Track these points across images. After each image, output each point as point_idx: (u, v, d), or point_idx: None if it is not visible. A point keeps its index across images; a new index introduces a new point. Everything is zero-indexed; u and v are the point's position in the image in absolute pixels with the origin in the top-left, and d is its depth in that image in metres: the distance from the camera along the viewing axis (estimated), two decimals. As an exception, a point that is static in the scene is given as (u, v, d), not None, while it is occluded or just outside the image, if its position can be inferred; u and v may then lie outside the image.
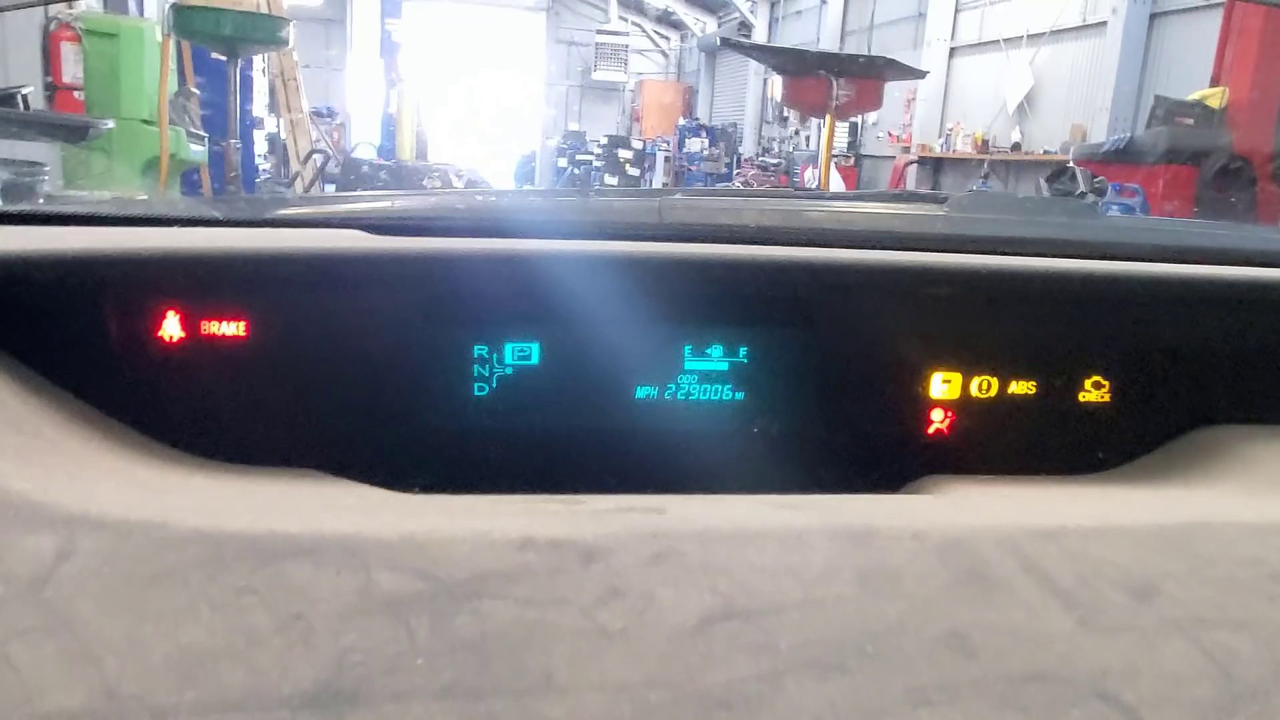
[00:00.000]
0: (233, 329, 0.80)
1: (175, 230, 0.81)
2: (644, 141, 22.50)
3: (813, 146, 16.82)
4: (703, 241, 0.84)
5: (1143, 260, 0.88)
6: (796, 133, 18.94)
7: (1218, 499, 0.74)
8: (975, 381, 0.89)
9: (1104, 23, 11.65)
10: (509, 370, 0.85)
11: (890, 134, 16.20)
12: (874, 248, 0.86)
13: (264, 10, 8.29)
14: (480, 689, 0.43)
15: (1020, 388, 0.89)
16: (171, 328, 0.79)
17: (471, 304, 0.84)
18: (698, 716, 0.43)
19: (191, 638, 0.45)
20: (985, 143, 13.56)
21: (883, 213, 1.19)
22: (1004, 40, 13.65)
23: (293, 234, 0.82)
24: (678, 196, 1.28)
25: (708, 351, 0.86)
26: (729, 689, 0.45)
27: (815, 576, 0.52)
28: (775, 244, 0.85)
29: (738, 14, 22.79)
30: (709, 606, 0.49)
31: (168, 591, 0.47)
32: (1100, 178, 6.75)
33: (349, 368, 0.83)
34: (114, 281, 0.77)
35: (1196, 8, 10.48)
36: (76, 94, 7.21)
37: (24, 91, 5.05)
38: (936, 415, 0.89)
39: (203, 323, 0.79)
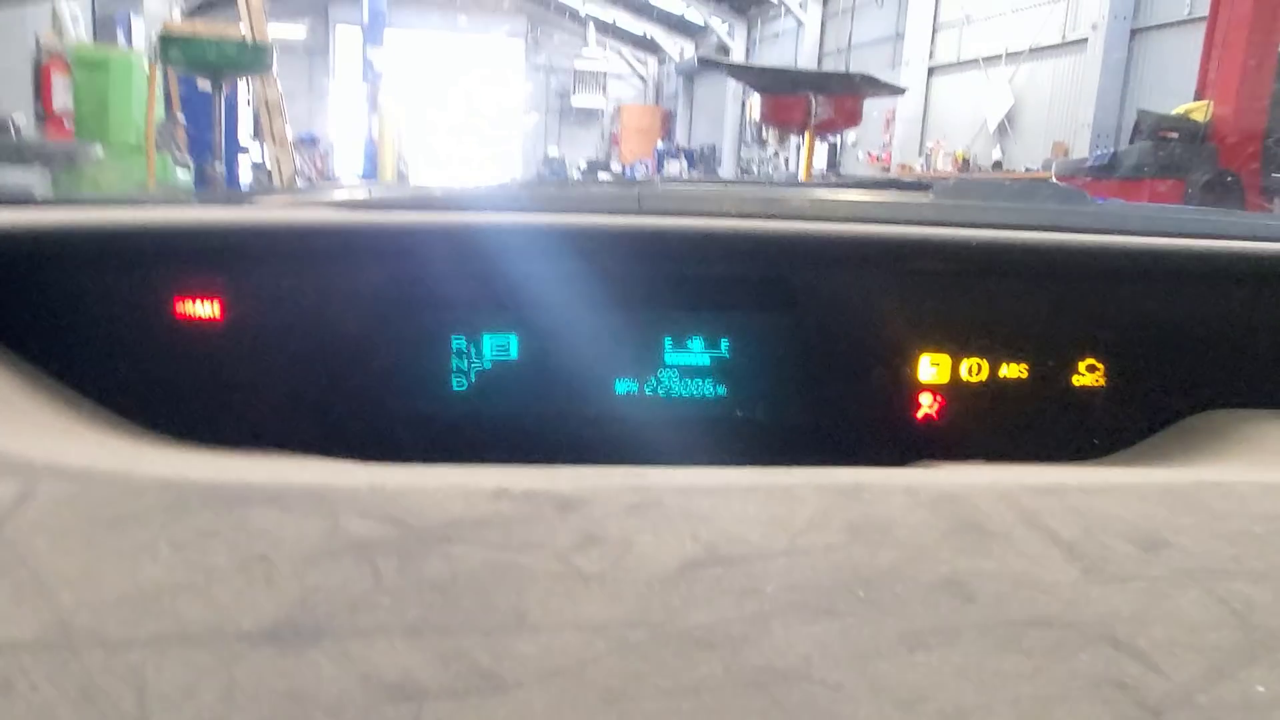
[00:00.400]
0: (206, 309, 0.79)
1: (148, 209, 0.81)
2: (623, 165, 22.61)
3: (791, 168, 16.91)
4: (683, 216, 0.83)
5: (1134, 235, 0.87)
6: (775, 154, 19.03)
7: (1225, 468, 0.72)
8: (965, 365, 0.87)
9: (1084, 40, 11.76)
10: (486, 360, 0.83)
11: (870, 154, 16.28)
12: (858, 222, 0.85)
13: (247, 39, 8.32)
14: (449, 626, 0.42)
15: (1012, 371, 0.87)
16: (144, 305, 0.78)
17: (446, 281, 0.82)
18: (679, 655, 0.42)
19: (150, 575, 0.44)
20: (966, 161, 13.63)
21: (867, 199, 1.18)
22: (983, 59, 13.76)
23: (265, 211, 0.82)
24: (656, 182, 1.27)
25: (688, 343, 0.84)
26: (712, 630, 0.43)
27: (803, 526, 0.51)
28: (757, 218, 0.83)
29: (715, 37, 22.92)
30: (690, 553, 0.48)
31: (127, 532, 0.47)
32: (1086, 193, 6.77)
33: (323, 349, 0.81)
34: (89, 256, 0.77)
35: (1177, 23, 10.59)
36: (66, 122, 7.24)
37: (15, 118, 5.05)
38: (925, 400, 0.87)
39: (176, 301, 0.78)
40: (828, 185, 2.07)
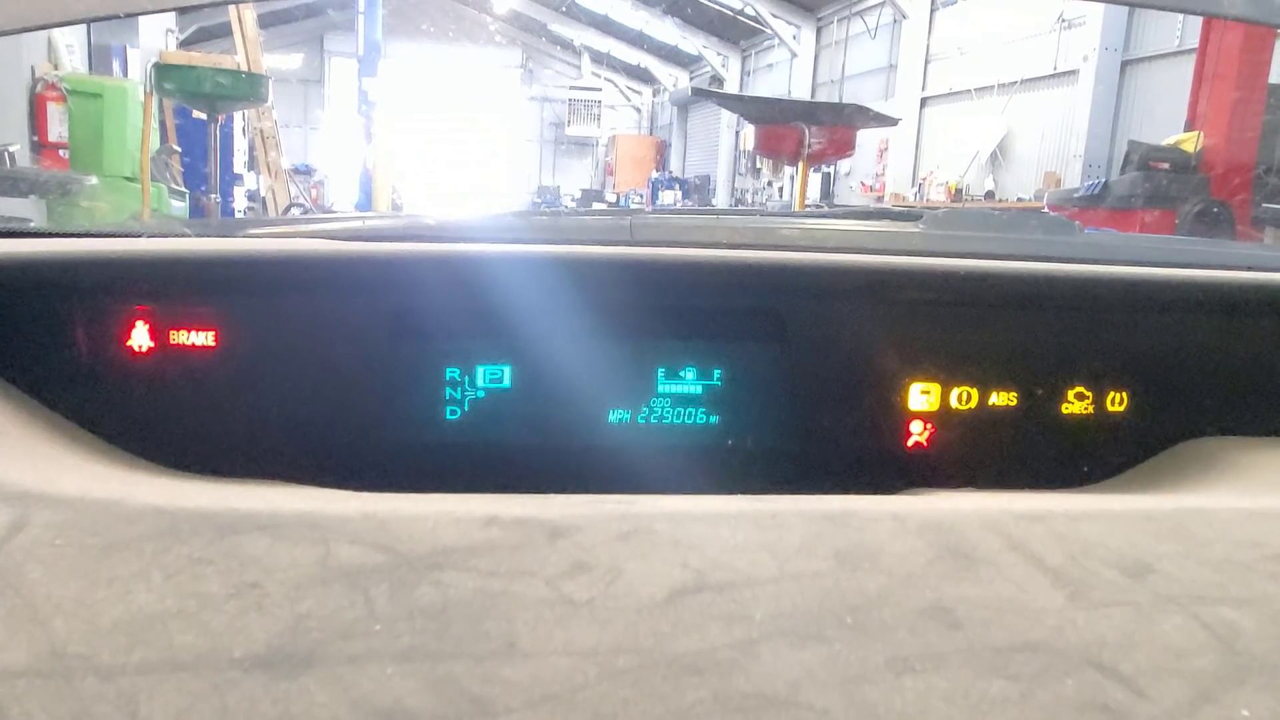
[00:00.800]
0: (201, 338, 0.80)
1: (145, 240, 0.81)
2: (617, 195, 22.66)
3: (785, 197, 16.94)
4: (674, 247, 0.83)
5: (1122, 264, 0.87)
6: (769, 184, 19.06)
7: (1211, 495, 0.72)
8: (955, 393, 0.87)
9: (1075, 71, 11.82)
10: (480, 389, 0.84)
11: (863, 184, 16.34)
12: (848, 253, 0.85)
13: (243, 69, 8.35)
14: (440, 652, 0.42)
15: (1001, 399, 0.88)
16: (140, 336, 0.79)
17: (440, 311, 0.83)
18: (667, 681, 0.42)
19: (142, 602, 0.44)
20: (959, 191, 13.67)
21: (857, 229, 1.18)
22: (975, 90, 13.83)
23: (259, 242, 0.83)
24: (649, 214, 1.28)
25: (680, 372, 0.85)
26: (700, 656, 0.43)
27: (791, 553, 0.51)
28: (749, 248, 0.84)
29: (709, 68, 23.02)
30: (679, 580, 0.48)
31: (120, 560, 0.47)
32: (1076, 223, 6.77)
33: (317, 379, 0.82)
34: (84, 287, 0.78)
35: (1168, 54, 10.66)
36: (62, 152, 7.22)
37: (10, 149, 5.06)
38: (915, 428, 0.88)
39: (171, 331, 0.79)
40: (820, 215, 2.08)
